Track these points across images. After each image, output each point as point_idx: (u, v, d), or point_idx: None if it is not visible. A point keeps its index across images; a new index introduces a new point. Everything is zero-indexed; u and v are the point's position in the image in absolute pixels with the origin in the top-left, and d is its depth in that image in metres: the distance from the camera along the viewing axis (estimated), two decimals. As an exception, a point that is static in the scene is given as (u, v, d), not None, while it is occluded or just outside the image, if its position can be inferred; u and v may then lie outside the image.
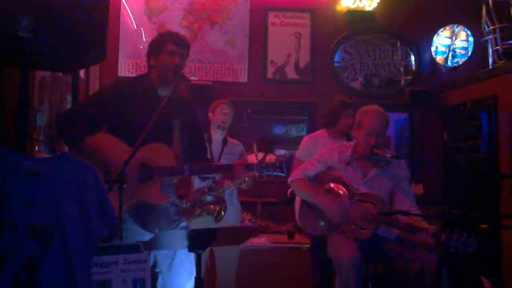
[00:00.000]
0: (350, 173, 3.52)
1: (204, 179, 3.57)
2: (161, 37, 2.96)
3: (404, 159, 3.81)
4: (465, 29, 5.72)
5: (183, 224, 2.97)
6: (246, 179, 3.83)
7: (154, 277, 2.77)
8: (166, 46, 2.87)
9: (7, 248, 1.89)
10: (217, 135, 4.21)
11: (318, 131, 4.36)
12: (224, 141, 4.23)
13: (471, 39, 5.64)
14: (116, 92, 2.91)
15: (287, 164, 2.94)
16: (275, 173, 2.91)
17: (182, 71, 2.84)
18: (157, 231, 2.76)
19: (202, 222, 3.86)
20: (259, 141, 2.96)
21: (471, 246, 2.91)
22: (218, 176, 3.93)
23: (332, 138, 4.18)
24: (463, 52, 5.81)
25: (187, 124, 2.99)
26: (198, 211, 3.91)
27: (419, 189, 5.38)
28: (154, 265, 2.81)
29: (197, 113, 3.20)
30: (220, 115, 4.12)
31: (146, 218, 2.77)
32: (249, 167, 2.90)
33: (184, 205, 3.89)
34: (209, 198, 3.91)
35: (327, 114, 4.27)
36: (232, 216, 4.10)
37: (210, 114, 4.23)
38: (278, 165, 2.88)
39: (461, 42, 5.85)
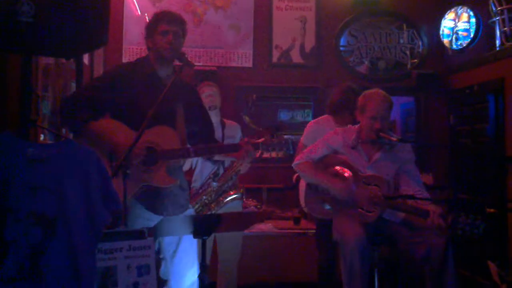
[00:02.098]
0: (355, 157, 3.50)
1: (214, 162, 3.51)
2: (154, 18, 2.95)
3: (409, 143, 3.78)
4: (468, 11, 5.62)
5: (189, 210, 2.96)
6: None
7: (158, 263, 2.74)
8: (159, 26, 2.88)
9: (11, 235, 1.89)
10: (212, 118, 4.16)
11: (323, 116, 4.31)
12: (222, 124, 4.14)
13: (473, 20, 5.52)
14: (117, 76, 2.88)
15: (293, 144, 2.90)
16: (281, 151, 2.87)
17: (186, 55, 2.83)
18: (165, 214, 2.75)
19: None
20: (264, 130, 2.90)
21: (477, 227, 2.91)
22: (227, 162, 3.92)
23: (337, 125, 4.13)
24: (465, 34, 5.71)
25: (192, 107, 2.99)
26: (217, 206, 3.90)
27: (429, 179, 5.35)
28: (158, 251, 2.81)
29: (200, 97, 3.19)
30: (205, 99, 3.95)
31: (154, 202, 2.76)
32: (255, 145, 2.85)
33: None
34: (214, 184, 3.88)
35: (334, 102, 4.20)
36: None
37: None
38: (284, 142, 2.83)
39: (462, 23, 5.75)
